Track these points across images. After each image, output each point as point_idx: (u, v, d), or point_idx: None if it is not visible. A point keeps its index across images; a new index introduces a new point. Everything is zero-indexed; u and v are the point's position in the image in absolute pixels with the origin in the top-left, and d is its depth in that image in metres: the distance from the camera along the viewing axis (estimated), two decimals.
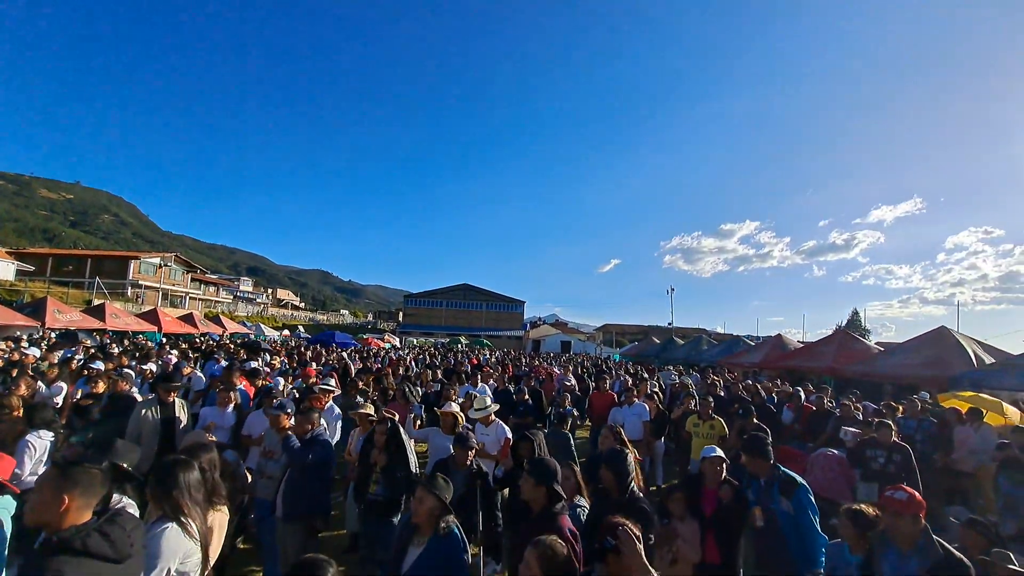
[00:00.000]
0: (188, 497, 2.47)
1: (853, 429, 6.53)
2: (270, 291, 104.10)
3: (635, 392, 8.02)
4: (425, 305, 70.10)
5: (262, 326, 34.93)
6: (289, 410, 4.69)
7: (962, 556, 2.55)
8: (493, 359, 23.99)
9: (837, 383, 14.18)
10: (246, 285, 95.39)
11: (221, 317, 32.37)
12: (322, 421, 5.12)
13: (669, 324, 51.43)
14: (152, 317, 22.55)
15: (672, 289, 43.75)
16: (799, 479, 3.56)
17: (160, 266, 47.14)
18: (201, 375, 8.53)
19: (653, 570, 2.13)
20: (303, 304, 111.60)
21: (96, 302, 24.18)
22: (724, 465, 3.89)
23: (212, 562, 2.96)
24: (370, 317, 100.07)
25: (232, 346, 17.26)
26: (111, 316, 19.74)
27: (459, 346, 38.27)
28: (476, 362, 18.60)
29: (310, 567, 1.82)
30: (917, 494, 2.71)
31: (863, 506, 3.08)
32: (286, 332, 38.59)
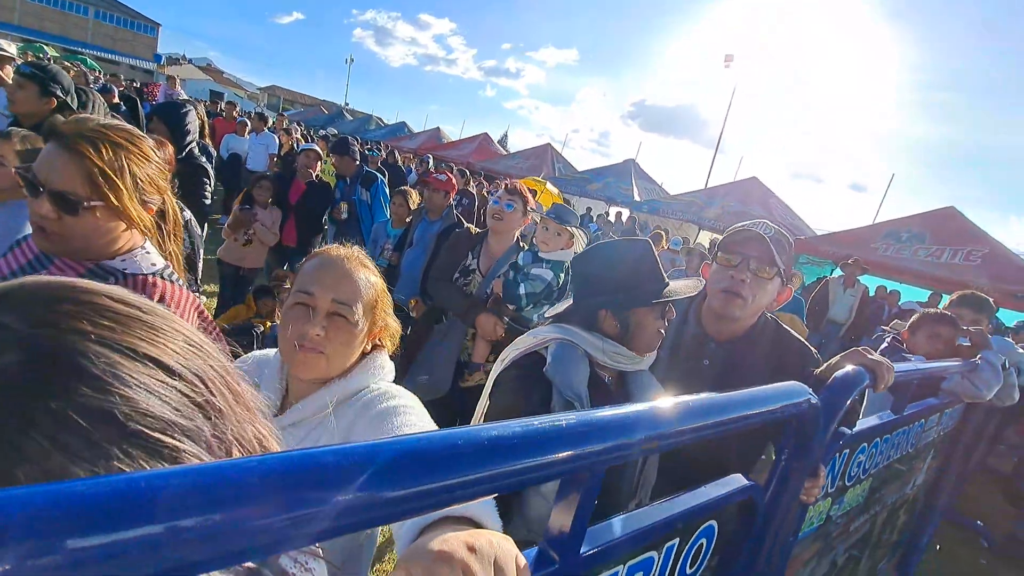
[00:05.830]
0: None
1: None
2: None
3: (269, 121, 7.26)
4: None
5: None
6: None
7: (465, 222, 3.43)
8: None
9: (472, 172, 16.93)
10: None
11: None
12: None
13: (346, 105, 48.33)
14: None
15: (352, 59, 40.28)
16: (379, 176, 4.03)
17: None
18: None
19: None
20: None
21: None
22: (319, 162, 4.00)
23: None
24: None
25: None
26: None
27: (41, 55, 25.98)
28: None
29: None
30: (454, 179, 3.41)
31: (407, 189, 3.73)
32: None
